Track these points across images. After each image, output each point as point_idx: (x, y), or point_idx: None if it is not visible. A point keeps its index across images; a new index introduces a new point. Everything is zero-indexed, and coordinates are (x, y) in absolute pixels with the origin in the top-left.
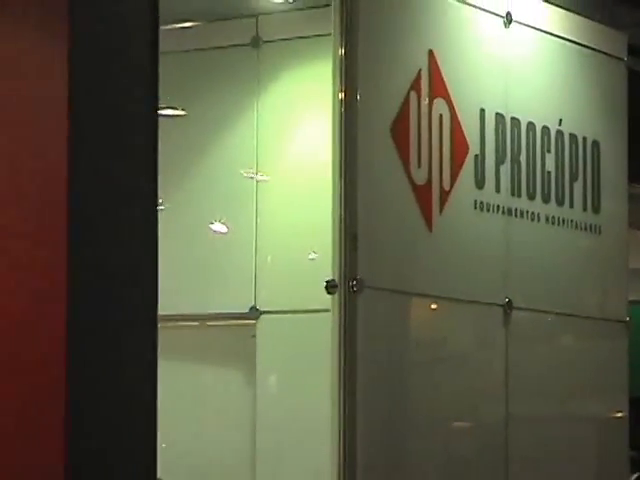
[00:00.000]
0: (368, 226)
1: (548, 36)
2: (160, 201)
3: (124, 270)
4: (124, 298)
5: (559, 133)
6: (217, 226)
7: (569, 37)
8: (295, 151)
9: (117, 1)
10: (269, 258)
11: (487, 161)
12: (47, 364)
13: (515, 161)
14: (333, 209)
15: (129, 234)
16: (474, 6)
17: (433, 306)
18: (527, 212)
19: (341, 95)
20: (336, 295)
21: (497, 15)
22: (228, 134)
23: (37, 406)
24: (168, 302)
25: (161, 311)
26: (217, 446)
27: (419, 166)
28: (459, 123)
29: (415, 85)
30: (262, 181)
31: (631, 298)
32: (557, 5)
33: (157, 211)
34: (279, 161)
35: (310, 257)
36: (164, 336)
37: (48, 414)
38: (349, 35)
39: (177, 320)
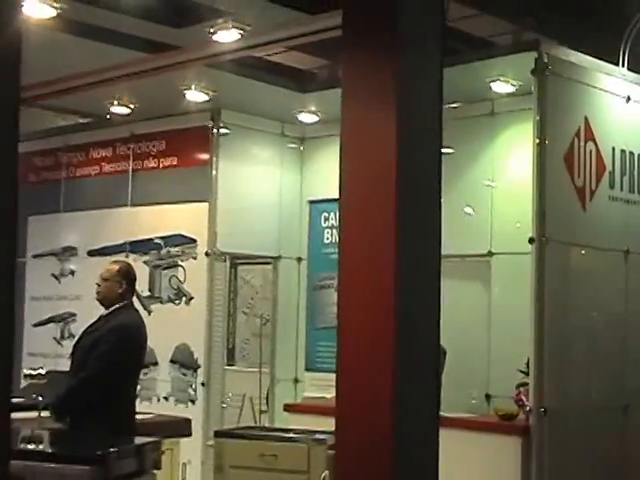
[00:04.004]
0: (551, 208)
1: None
2: (442, 197)
3: (425, 232)
4: (421, 248)
5: None
6: (468, 209)
7: None
8: (513, 169)
9: (422, 90)
10: (496, 225)
11: (616, 174)
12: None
13: (631, 174)
14: (533, 200)
15: (427, 217)
16: (608, 92)
17: (583, 252)
18: (638, 202)
19: (537, 140)
20: (534, 245)
21: (621, 97)
22: (476, 161)
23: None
24: (446, 247)
25: (443, 252)
26: (464, 326)
27: (579, 177)
28: (601, 155)
29: (577, 135)
30: (495, 187)
31: None
32: None
33: (440, 202)
34: (505, 175)
35: (517, 225)
36: (445, 267)
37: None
38: (542, 108)
39: (449, 257)
